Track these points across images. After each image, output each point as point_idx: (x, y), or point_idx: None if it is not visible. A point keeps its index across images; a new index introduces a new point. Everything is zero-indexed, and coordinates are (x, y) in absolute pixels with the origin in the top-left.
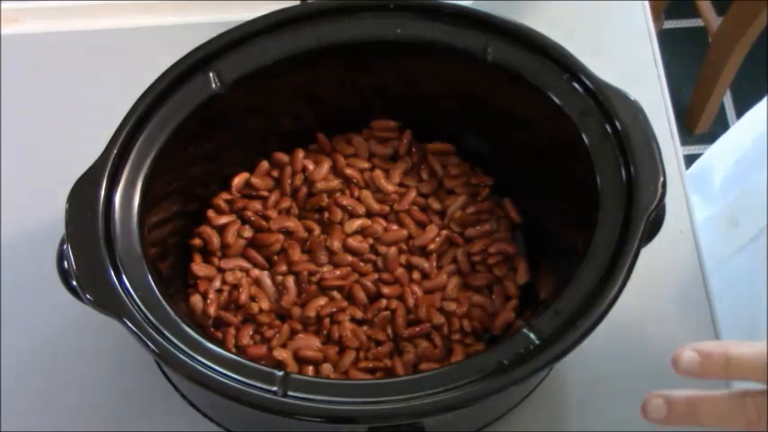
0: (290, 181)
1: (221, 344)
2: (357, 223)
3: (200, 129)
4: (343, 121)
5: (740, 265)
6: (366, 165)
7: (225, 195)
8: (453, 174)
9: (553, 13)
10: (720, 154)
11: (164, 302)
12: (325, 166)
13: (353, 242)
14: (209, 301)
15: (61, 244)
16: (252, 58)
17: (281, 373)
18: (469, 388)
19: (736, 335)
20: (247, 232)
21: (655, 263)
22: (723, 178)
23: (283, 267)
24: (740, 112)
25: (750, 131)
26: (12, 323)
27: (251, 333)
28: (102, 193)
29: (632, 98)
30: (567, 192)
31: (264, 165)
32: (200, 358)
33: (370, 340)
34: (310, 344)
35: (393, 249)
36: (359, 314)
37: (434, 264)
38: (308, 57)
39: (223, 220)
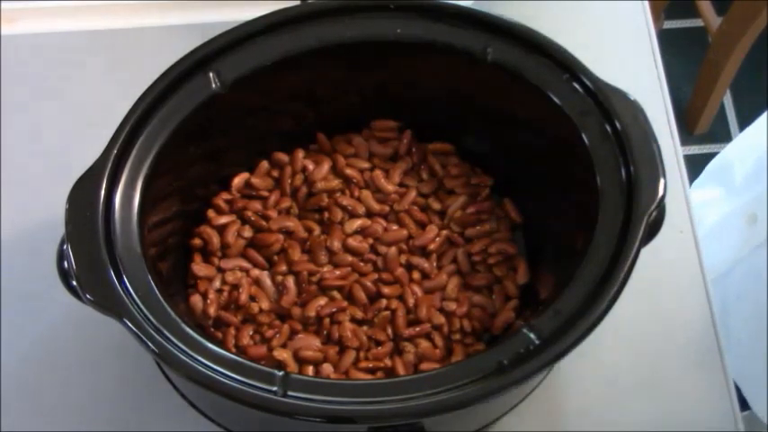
0: (290, 181)
1: (221, 344)
2: (357, 223)
3: (200, 129)
4: (343, 121)
5: (759, 263)
6: (366, 165)
7: (225, 195)
8: (453, 174)
9: (553, 13)
10: (744, 148)
11: (164, 302)
12: (326, 166)
13: (353, 242)
14: (209, 301)
15: (61, 244)
16: (252, 58)
17: (281, 373)
18: (469, 388)
19: (754, 334)
20: (247, 232)
21: (655, 263)
22: (745, 173)
23: (283, 267)
24: (740, 112)
25: None
26: (12, 323)
27: (251, 333)
28: (102, 192)
29: (632, 98)
30: (567, 192)
31: (264, 165)
32: (200, 358)
33: (371, 340)
34: (310, 344)
35: (393, 249)
36: (359, 314)
37: (434, 264)
38: (308, 57)
39: (223, 220)
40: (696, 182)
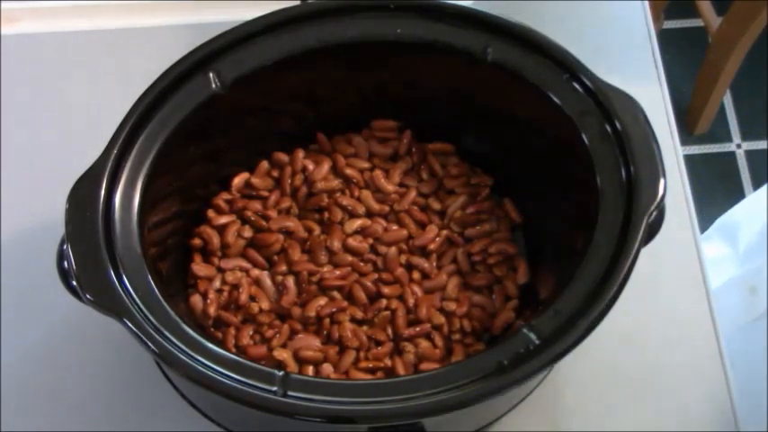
0: (290, 181)
1: (221, 344)
2: (357, 223)
3: (200, 129)
4: (343, 121)
5: (756, 334)
6: (366, 165)
7: (225, 195)
8: (453, 174)
9: (553, 13)
10: (750, 212)
11: (164, 302)
12: (326, 166)
13: (353, 242)
14: (209, 301)
15: (61, 244)
16: (252, 58)
17: (280, 373)
18: (469, 388)
19: (749, 400)
20: (247, 232)
21: (655, 263)
22: (748, 243)
23: (283, 267)
24: (740, 112)
25: None
26: (12, 323)
27: (251, 333)
28: (103, 192)
29: (632, 98)
30: (567, 192)
31: (264, 165)
32: (200, 358)
33: (371, 340)
34: (310, 344)
35: (393, 249)
36: (359, 314)
37: (434, 264)
38: (308, 57)
39: (223, 220)
40: (705, 234)
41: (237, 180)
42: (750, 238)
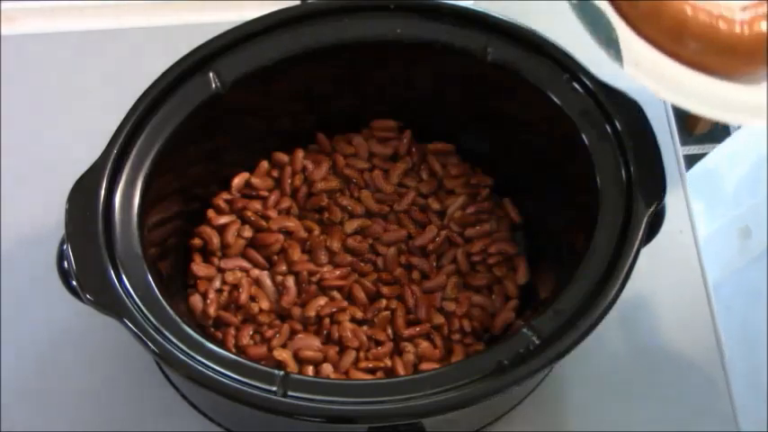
0: (290, 181)
1: (221, 344)
2: (357, 223)
3: (200, 129)
4: (343, 121)
5: (751, 278)
6: (366, 165)
7: (225, 195)
8: (453, 174)
9: (553, 13)
10: (730, 158)
11: (164, 302)
12: (325, 166)
13: (353, 242)
14: (209, 301)
15: (61, 244)
16: (252, 58)
17: (280, 373)
18: (469, 388)
19: (741, 345)
20: (247, 232)
21: (655, 263)
22: (737, 185)
23: (283, 267)
24: None
25: (765, 137)
26: (12, 323)
27: (251, 333)
28: (102, 193)
29: (632, 98)
30: (567, 192)
31: (264, 165)
32: (200, 358)
33: (370, 340)
34: (310, 344)
35: (393, 249)
36: (359, 314)
37: (434, 264)
38: (309, 57)
39: (223, 220)
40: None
41: (237, 180)
42: (738, 179)
